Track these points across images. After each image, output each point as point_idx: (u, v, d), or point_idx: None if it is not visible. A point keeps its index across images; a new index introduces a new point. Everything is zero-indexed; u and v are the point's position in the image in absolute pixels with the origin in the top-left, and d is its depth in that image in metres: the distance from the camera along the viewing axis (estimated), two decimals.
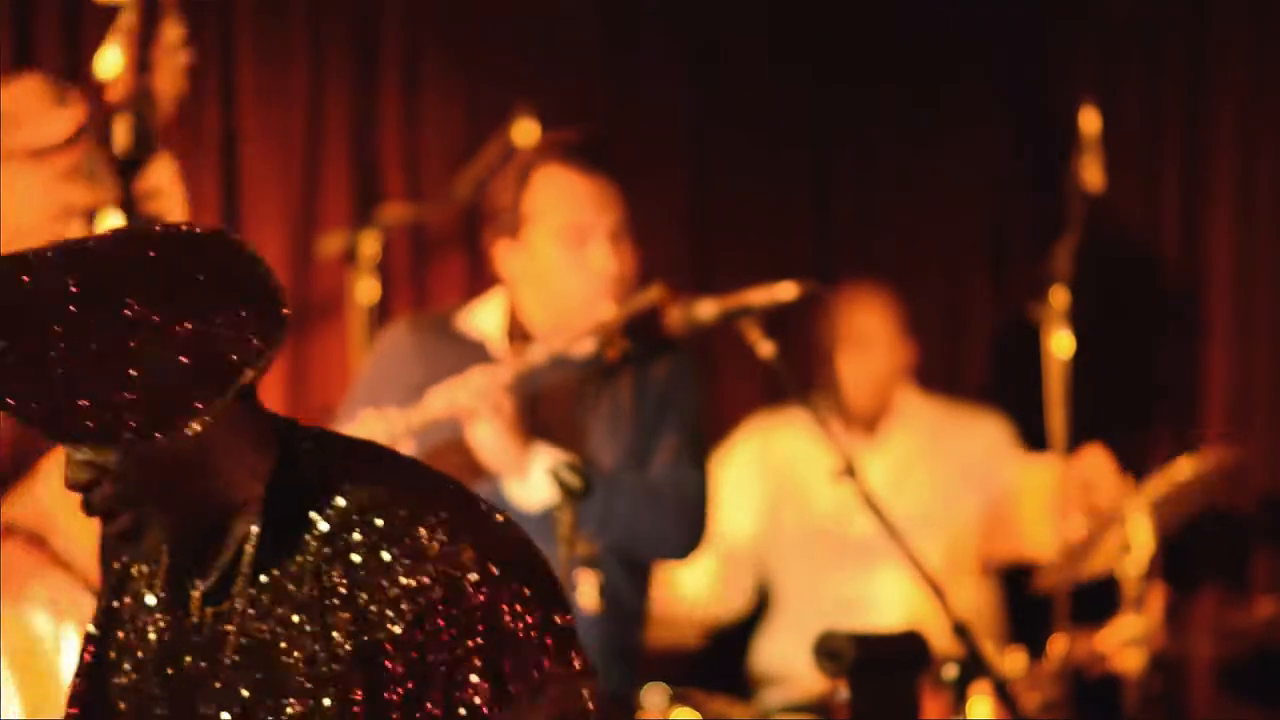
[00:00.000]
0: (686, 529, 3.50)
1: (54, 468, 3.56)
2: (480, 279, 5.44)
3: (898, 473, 5.25)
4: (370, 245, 4.69)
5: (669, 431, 3.52)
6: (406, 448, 3.27)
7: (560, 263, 3.41)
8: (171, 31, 3.79)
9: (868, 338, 5.25)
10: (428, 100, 5.41)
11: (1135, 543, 4.76)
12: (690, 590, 5.18)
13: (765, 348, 3.39)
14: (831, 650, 3.23)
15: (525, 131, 5.05)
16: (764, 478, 5.26)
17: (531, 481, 3.33)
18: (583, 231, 3.39)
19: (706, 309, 3.41)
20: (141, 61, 3.77)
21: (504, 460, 3.31)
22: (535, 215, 3.43)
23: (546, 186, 3.44)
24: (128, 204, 3.73)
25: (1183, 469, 4.74)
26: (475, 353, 3.48)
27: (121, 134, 3.61)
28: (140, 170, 3.73)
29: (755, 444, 5.30)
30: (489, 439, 3.30)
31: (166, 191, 3.74)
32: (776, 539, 5.22)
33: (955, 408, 5.40)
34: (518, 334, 3.48)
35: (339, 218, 5.20)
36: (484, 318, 3.54)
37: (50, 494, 3.50)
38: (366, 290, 4.66)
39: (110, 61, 3.73)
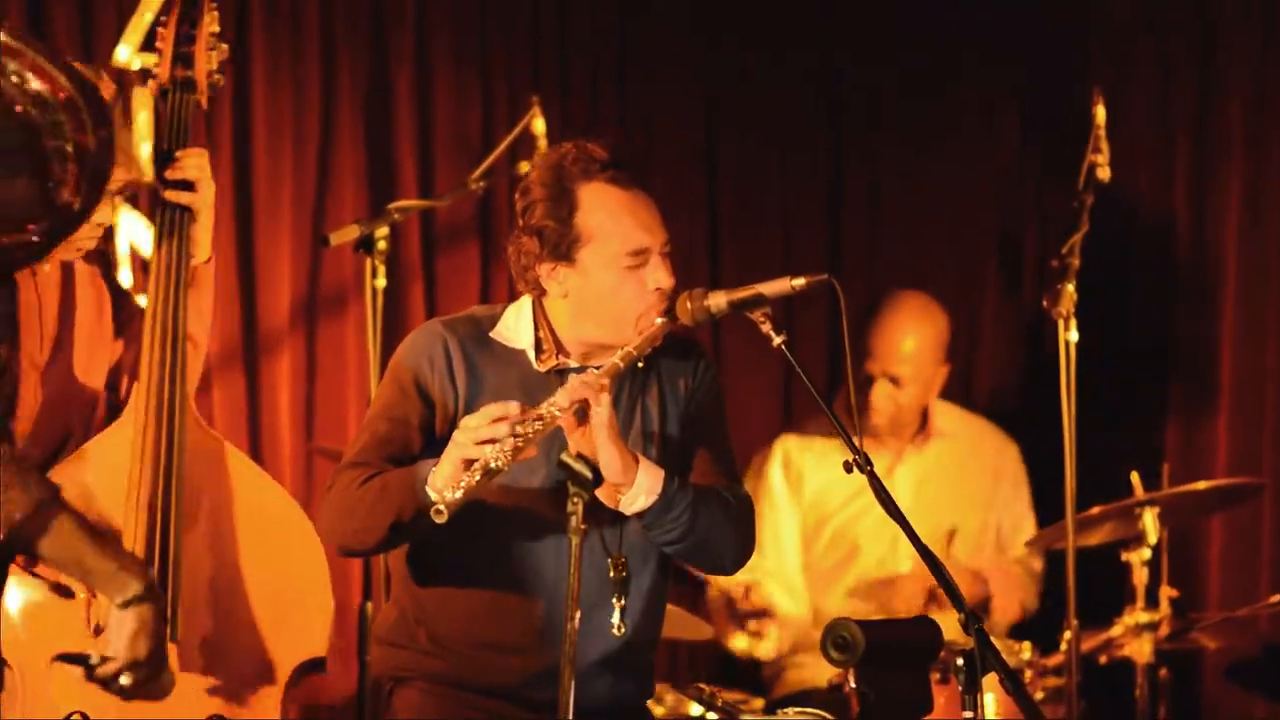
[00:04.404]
0: (747, 545, 3.55)
1: (96, 451, 3.61)
2: (492, 271, 5.46)
3: (925, 483, 5.27)
4: (382, 237, 4.68)
5: (708, 446, 3.54)
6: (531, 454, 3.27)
7: (619, 285, 3.39)
8: (211, 26, 3.80)
9: (909, 363, 5.21)
10: (440, 92, 5.42)
11: (1147, 536, 4.78)
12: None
13: (777, 338, 3.39)
14: (841, 639, 3.20)
15: (538, 125, 5.06)
16: (799, 512, 5.30)
17: (636, 487, 3.34)
18: (643, 256, 3.40)
19: (718, 299, 3.41)
20: (180, 54, 3.78)
21: (615, 468, 3.31)
22: (592, 239, 3.39)
23: (600, 210, 3.39)
24: (159, 193, 3.75)
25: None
26: (518, 363, 3.46)
27: (150, 122, 3.63)
28: (173, 160, 3.74)
29: (783, 472, 5.33)
30: (603, 447, 3.29)
31: (197, 183, 3.74)
32: (810, 563, 5.32)
33: (982, 426, 5.42)
34: (548, 345, 3.47)
35: (352, 209, 5.21)
36: (517, 328, 3.50)
37: (93, 475, 3.55)
38: (379, 281, 4.65)
39: (127, 50, 3.74)
